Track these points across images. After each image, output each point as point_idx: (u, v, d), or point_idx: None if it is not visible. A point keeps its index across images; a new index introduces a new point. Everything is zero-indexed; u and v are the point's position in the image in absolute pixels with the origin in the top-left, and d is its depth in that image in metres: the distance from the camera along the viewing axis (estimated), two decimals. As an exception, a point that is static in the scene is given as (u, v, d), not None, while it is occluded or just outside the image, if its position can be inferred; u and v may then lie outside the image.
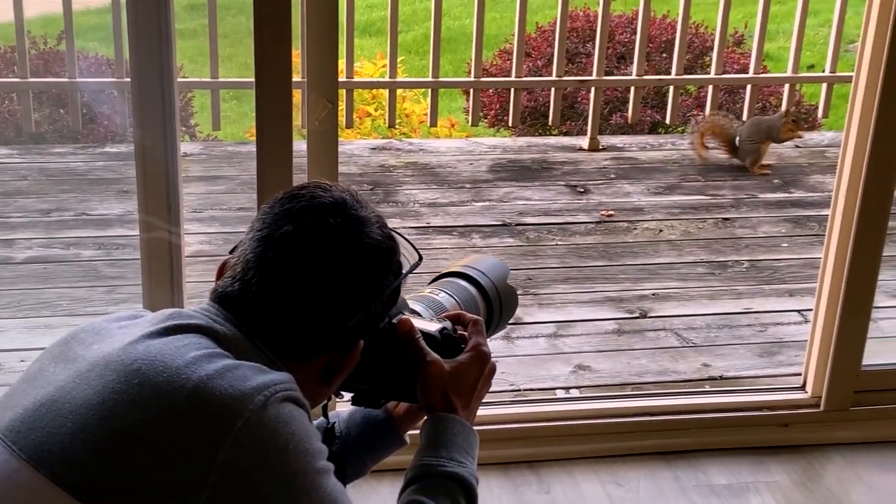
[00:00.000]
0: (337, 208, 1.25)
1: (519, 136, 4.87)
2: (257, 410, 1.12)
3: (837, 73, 4.59)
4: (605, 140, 4.56)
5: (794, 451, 2.51)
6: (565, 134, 4.84)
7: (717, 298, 3.31)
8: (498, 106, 4.97)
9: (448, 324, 1.39)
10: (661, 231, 3.78)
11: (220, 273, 1.30)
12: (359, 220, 1.26)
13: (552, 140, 4.66)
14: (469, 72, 5.12)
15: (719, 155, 4.43)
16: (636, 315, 3.16)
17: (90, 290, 3.24)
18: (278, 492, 1.12)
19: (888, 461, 2.49)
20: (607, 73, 4.57)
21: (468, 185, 4.10)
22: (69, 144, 4.39)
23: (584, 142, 4.51)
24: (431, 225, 3.72)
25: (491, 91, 4.82)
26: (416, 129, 5.51)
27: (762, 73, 4.75)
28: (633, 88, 4.47)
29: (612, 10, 4.88)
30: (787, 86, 4.61)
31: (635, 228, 3.80)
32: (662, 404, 2.59)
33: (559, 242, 3.64)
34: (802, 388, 2.63)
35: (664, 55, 4.80)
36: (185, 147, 4.32)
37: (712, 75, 4.51)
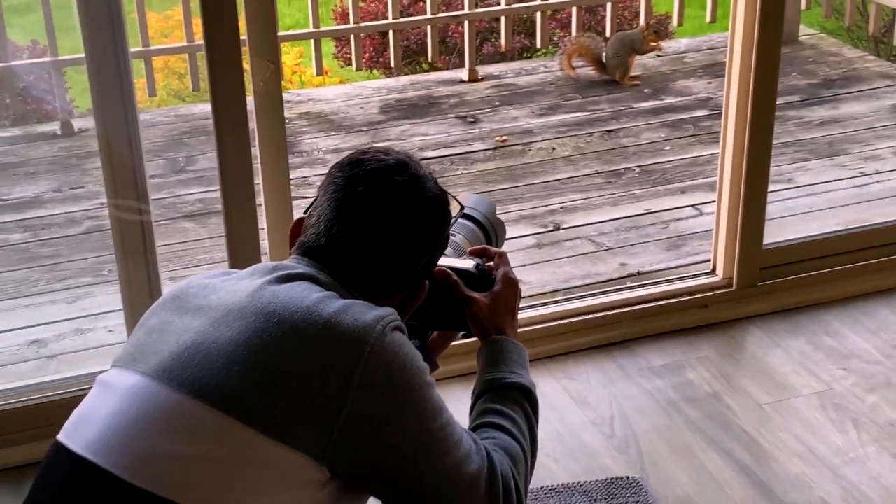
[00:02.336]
0: (401, 168, 1.48)
1: (396, 77, 5.05)
2: (379, 338, 1.34)
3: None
4: (482, 70, 4.79)
5: (716, 328, 2.82)
6: (442, 69, 5.04)
7: (618, 204, 3.61)
8: (372, 49, 5.14)
9: (479, 260, 1.63)
10: (554, 149, 4.05)
11: (296, 231, 1.52)
12: (419, 178, 1.49)
13: (432, 76, 4.86)
14: (336, 19, 5.28)
15: (589, 72, 4.71)
16: (551, 228, 3.44)
17: (29, 271, 3.32)
18: (402, 403, 1.36)
19: (797, 325, 2.83)
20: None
21: (365, 128, 4.28)
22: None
23: (463, 74, 4.73)
24: (341, 169, 3.89)
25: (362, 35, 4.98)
26: (291, 81, 5.62)
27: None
28: (503, 18, 4.70)
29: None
30: (642, 0, 4.92)
31: (530, 150, 4.06)
32: (594, 303, 2.85)
33: (463, 171, 3.87)
34: (713, 272, 2.93)
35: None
36: (79, 123, 4.37)
37: (574, -3, 4.79)
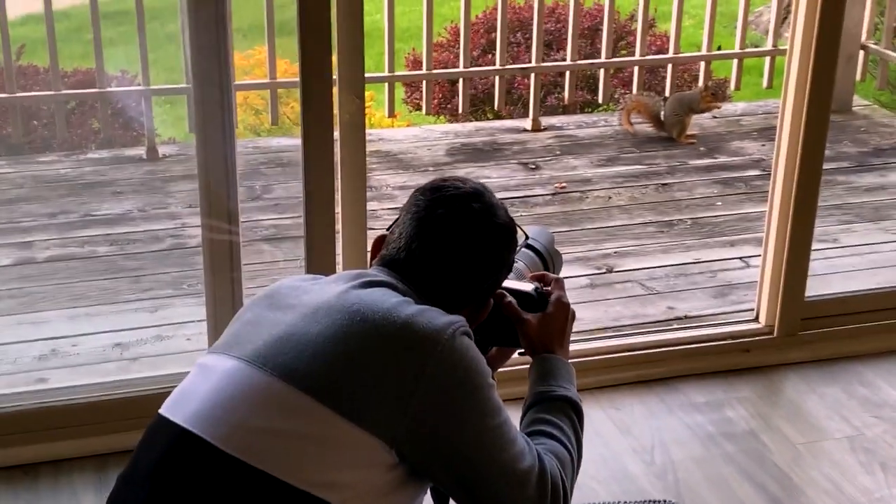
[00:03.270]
0: (477, 196, 1.67)
1: (462, 122, 5.29)
2: (449, 339, 1.53)
3: (746, 50, 5.15)
4: (545, 121, 5.01)
5: (756, 372, 2.98)
6: (506, 117, 5.27)
7: (669, 252, 3.80)
8: (440, 95, 5.38)
9: (538, 284, 1.81)
10: (610, 198, 4.25)
11: (378, 245, 1.72)
12: (493, 206, 1.69)
13: (497, 124, 5.09)
14: (408, 65, 5.54)
15: (647, 129, 4.91)
16: (604, 271, 3.63)
17: (115, 281, 3.57)
18: (466, 398, 1.54)
19: (833, 374, 2.98)
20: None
21: (431, 168, 4.51)
22: (50, 153, 4.67)
23: (527, 123, 4.95)
24: (407, 205, 4.12)
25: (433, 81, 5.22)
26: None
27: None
28: (567, 73, 4.93)
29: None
30: (702, 63, 5.12)
31: (587, 197, 4.26)
32: (641, 341, 3.02)
33: (523, 214, 4.07)
34: (756, 319, 3.09)
35: (585, 41, 5.28)
36: (162, 149, 4.64)
37: (637, 57, 5.00)
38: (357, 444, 1.48)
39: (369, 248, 1.78)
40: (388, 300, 1.56)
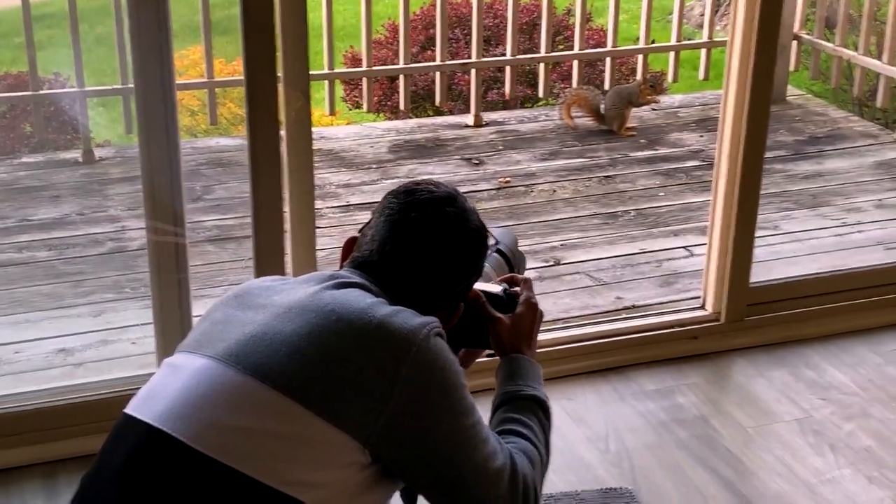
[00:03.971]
0: (450, 201, 1.67)
1: (404, 119, 5.27)
2: (424, 340, 1.53)
3: (683, 43, 5.21)
4: (486, 116, 5.02)
5: (705, 358, 3.01)
6: (447, 113, 5.27)
7: (615, 243, 3.82)
8: (380, 93, 5.36)
9: (505, 285, 1.82)
10: (554, 192, 4.27)
11: (349, 247, 1.71)
12: (466, 211, 1.69)
13: (439, 120, 5.09)
14: (346, 63, 5.51)
15: (588, 122, 4.94)
16: (551, 263, 3.65)
17: (55, 286, 3.50)
18: (441, 399, 1.54)
19: (780, 358, 3.02)
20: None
21: (374, 166, 4.50)
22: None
23: (468, 119, 4.96)
24: (352, 203, 4.09)
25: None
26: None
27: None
28: (507, 68, 4.94)
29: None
30: (640, 56, 5.16)
31: (532, 191, 4.28)
32: (591, 331, 3.05)
33: (468, 209, 4.07)
34: (702, 307, 3.13)
35: (524, 36, 5.30)
36: (98, 152, 4.56)
37: (576, 51, 5.03)
38: (331, 443, 1.48)
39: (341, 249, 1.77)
40: (362, 300, 1.56)
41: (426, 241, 1.65)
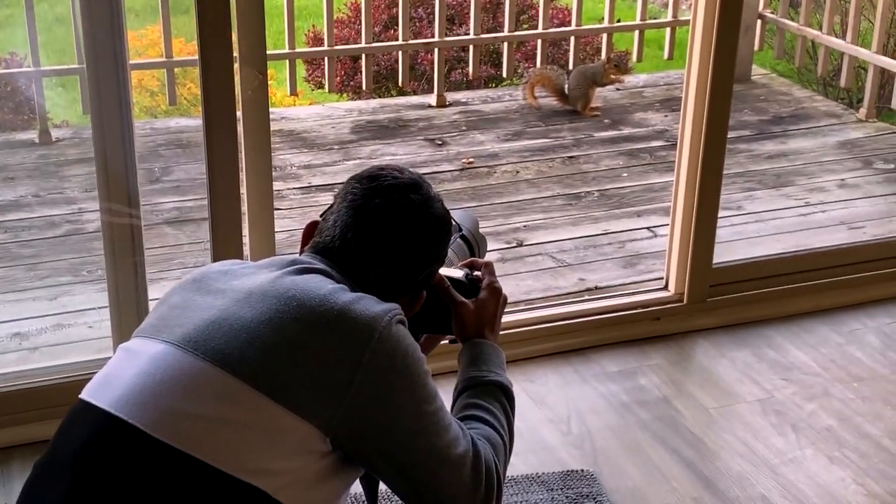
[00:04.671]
0: (415, 188, 1.64)
1: (366, 99, 5.23)
2: (386, 327, 1.50)
3: (647, 22, 5.19)
4: (450, 96, 4.98)
5: (667, 339, 3.00)
6: (410, 94, 5.23)
7: (578, 224, 3.80)
8: (343, 73, 5.31)
9: (467, 270, 1.80)
10: (517, 172, 4.24)
11: (309, 232, 1.68)
12: (430, 198, 1.66)
13: (402, 100, 5.04)
14: (308, 43, 5.45)
15: (551, 102, 4.91)
16: (514, 245, 3.62)
17: (10, 269, 3.44)
18: (403, 386, 1.51)
19: (742, 339, 3.02)
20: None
21: (336, 147, 4.45)
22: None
23: (431, 99, 4.92)
24: (313, 185, 4.05)
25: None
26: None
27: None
28: (471, 47, 4.91)
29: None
30: (604, 36, 5.13)
31: (495, 172, 4.25)
32: (553, 313, 3.03)
33: (431, 190, 4.04)
34: (665, 288, 3.11)
35: (487, 15, 5.26)
36: (55, 133, 4.49)
37: (539, 30, 5.00)
38: (291, 431, 1.45)
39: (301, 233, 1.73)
40: (324, 287, 1.53)
41: (389, 228, 1.62)
